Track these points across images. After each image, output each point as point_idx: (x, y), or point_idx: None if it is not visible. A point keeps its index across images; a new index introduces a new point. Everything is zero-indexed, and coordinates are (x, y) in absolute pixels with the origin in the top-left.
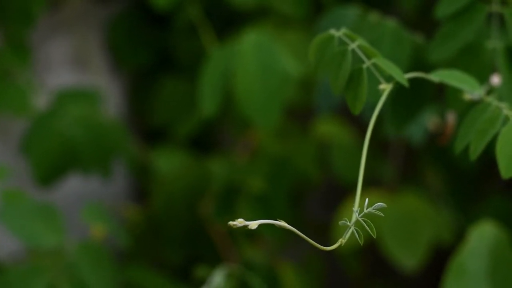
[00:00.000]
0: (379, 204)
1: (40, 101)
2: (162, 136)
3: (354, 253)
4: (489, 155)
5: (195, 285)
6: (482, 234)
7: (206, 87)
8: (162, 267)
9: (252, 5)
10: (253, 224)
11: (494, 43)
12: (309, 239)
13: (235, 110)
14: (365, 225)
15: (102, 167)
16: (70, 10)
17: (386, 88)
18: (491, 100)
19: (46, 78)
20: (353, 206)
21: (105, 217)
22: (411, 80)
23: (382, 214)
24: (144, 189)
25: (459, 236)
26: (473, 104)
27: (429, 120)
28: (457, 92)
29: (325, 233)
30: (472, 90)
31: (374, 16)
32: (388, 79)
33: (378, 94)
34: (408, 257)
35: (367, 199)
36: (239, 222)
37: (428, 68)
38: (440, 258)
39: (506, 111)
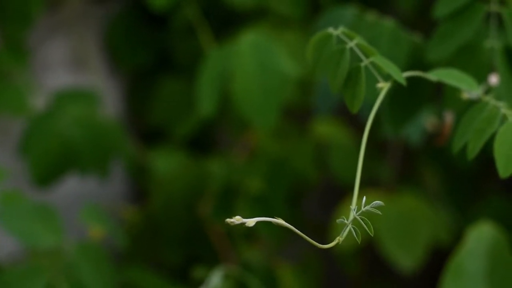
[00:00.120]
0: (377, 202)
1: (38, 101)
2: (160, 136)
3: (352, 254)
4: (487, 155)
5: (193, 285)
6: (480, 235)
7: (204, 87)
8: (160, 267)
9: (250, 5)
10: (251, 222)
11: (492, 43)
12: (306, 237)
13: (233, 111)
14: (363, 223)
15: (100, 168)
16: (68, 11)
17: (384, 86)
18: (489, 99)
19: (44, 78)
20: (350, 205)
21: (103, 218)
22: (409, 80)
23: (379, 212)
24: (143, 189)
25: (457, 237)
26: (471, 103)
27: (427, 121)
28: (455, 91)
29: (324, 233)
30: (470, 89)
31: (371, 16)
32: (386, 78)
33: (376, 92)
34: (406, 258)
35: (364, 197)
36: (237, 219)
37: (426, 68)
38: (438, 258)
39: (504, 110)
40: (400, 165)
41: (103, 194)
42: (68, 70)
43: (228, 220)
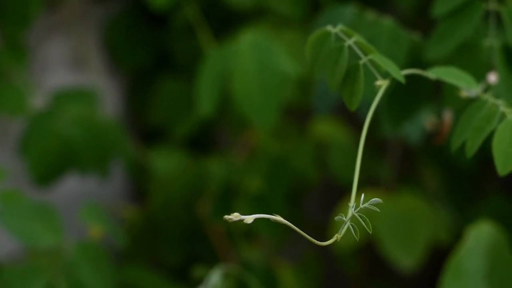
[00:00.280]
0: (375, 200)
1: (38, 101)
2: (160, 136)
3: (352, 253)
4: (485, 154)
5: (192, 285)
6: (480, 234)
7: (204, 87)
8: (160, 267)
9: (249, 5)
10: (249, 219)
11: (491, 41)
12: (305, 234)
13: (233, 110)
14: (361, 220)
15: (100, 167)
16: (68, 11)
17: (382, 84)
18: (488, 97)
19: (44, 78)
20: (349, 203)
21: (103, 217)
22: (408, 78)
23: (378, 210)
24: (142, 189)
25: (457, 236)
26: (470, 101)
27: (426, 120)
28: (454, 89)
29: (324, 233)
30: (468, 88)
31: (371, 15)
32: (385, 75)
33: (375, 91)
34: (405, 257)
35: (363, 195)
36: (235, 216)
37: (425, 67)
38: (438, 258)
39: (502, 108)
40: (400, 165)
41: (103, 194)
42: (68, 69)
43: (226, 217)
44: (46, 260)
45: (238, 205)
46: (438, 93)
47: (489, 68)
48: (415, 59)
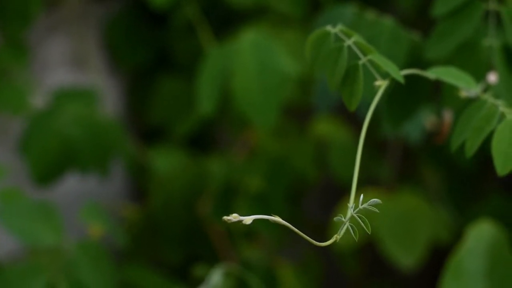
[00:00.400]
0: (374, 200)
1: (38, 100)
2: (160, 135)
3: (352, 253)
4: (485, 153)
5: (193, 284)
6: (480, 233)
7: (204, 86)
8: (160, 266)
9: (249, 4)
10: (248, 220)
11: (491, 41)
12: (303, 235)
13: (233, 109)
14: (360, 221)
15: (100, 166)
16: (68, 10)
17: (382, 84)
18: (487, 97)
19: (44, 77)
20: (348, 203)
21: (103, 216)
22: (408, 78)
23: (377, 210)
24: (142, 188)
25: (457, 235)
26: (469, 101)
27: (426, 119)
28: (454, 89)
29: (324, 233)
30: (468, 88)
31: (371, 15)
32: (384, 76)
33: (374, 91)
34: (406, 256)
35: (362, 195)
36: (234, 217)
37: (425, 67)
38: (438, 257)
39: (502, 108)
40: (400, 164)
41: (103, 193)
42: (68, 68)
43: (225, 217)
44: (46, 259)
45: (238, 204)
46: (438, 92)
47: (489, 68)
48: (415, 59)
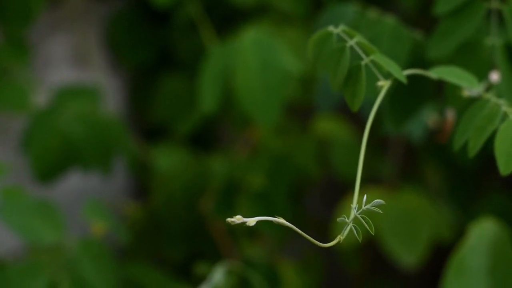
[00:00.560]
0: (378, 201)
1: (40, 98)
2: (162, 133)
3: (354, 251)
4: (488, 152)
5: (195, 282)
6: (482, 231)
7: (206, 84)
8: (162, 264)
9: (251, 2)
10: (251, 221)
11: (493, 40)
12: (307, 236)
13: (235, 107)
14: (364, 222)
15: (102, 164)
16: (70, 7)
17: (384, 85)
18: (490, 96)
19: (46, 75)
20: (351, 204)
21: (105, 214)
22: (410, 77)
23: (380, 211)
24: (144, 186)
25: (459, 234)
26: (472, 101)
27: (428, 118)
28: (456, 89)
29: (326, 230)
30: (470, 87)
31: (373, 13)
32: (387, 76)
33: (377, 91)
34: (407, 255)
35: (365, 196)
36: (237, 218)
37: (427, 65)
38: (440, 255)
39: (504, 107)
40: (402, 162)
41: (105, 191)
42: (70, 66)
43: (229, 219)
44: (48, 257)
45: (240, 202)
46: (441, 91)
47: (491, 67)
48: (417, 58)
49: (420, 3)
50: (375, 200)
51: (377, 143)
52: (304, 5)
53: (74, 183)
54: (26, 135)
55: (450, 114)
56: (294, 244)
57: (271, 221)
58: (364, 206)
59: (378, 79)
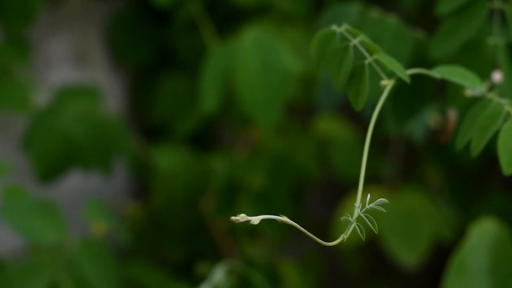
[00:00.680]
0: (381, 200)
1: (41, 98)
2: (163, 133)
3: (355, 250)
4: (489, 152)
5: (196, 281)
6: (483, 231)
7: (207, 84)
8: (163, 263)
9: (252, 2)
10: (255, 220)
11: (496, 40)
12: (311, 235)
13: (235, 107)
14: (367, 220)
15: (103, 164)
16: (71, 7)
17: (387, 84)
18: (493, 96)
19: (47, 75)
20: (353, 203)
21: (106, 214)
22: (413, 77)
23: (384, 210)
24: (145, 185)
25: (460, 233)
26: (475, 100)
27: (430, 118)
28: (459, 88)
29: (326, 230)
30: (473, 86)
31: (375, 13)
32: (390, 75)
33: (380, 90)
34: (408, 254)
35: (369, 195)
36: (241, 217)
37: (429, 65)
38: (441, 255)
39: (507, 107)
40: (402, 162)
41: (106, 190)
42: (71, 66)
43: (233, 218)
44: (48, 257)
45: (241, 201)
46: (442, 91)
47: (494, 66)
48: (420, 57)
49: (420, 3)
50: (379, 199)
51: (378, 143)
52: (305, 5)
53: (74, 183)
54: (27, 134)
55: (452, 114)
56: (294, 244)
57: (271, 221)
58: (368, 205)
59: (381, 78)
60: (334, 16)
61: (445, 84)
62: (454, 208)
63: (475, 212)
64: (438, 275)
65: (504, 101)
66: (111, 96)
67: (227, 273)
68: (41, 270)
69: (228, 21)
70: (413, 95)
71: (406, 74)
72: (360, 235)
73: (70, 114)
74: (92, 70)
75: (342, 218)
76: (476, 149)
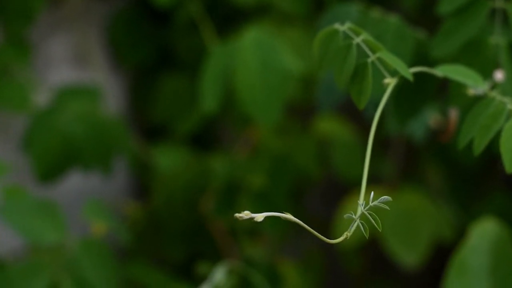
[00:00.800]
0: (384, 198)
1: (41, 98)
2: (163, 133)
3: (355, 250)
4: (490, 152)
5: (196, 281)
6: (483, 231)
7: (207, 84)
8: (163, 263)
9: (252, 2)
10: (259, 217)
11: (497, 39)
12: (315, 232)
13: (235, 107)
14: (371, 218)
15: (103, 164)
16: (71, 7)
17: (390, 82)
18: (495, 95)
19: (47, 75)
20: (353, 202)
21: (106, 214)
22: (415, 76)
23: (387, 207)
24: (145, 185)
25: (460, 233)
26: (476, 99)
27: (430, 117)
28: (461, 87)
29: (326, 230)
30: (475, 85)
31: (376, 13)
32: (393, 73)
33: (382, 88)
34: (409, 254)
35: (372, 192)
36: (246, 214)
37: (431, 65)
38: (441, 255)
39: (509, 106)
40: (403, 162)
41: (106, 190)
42: (71, 66)
43: (236, 215)
44: (48, 257)
45: (241, 201)
46: (442, 92)
47: (496, 65)
48: (421, 57)
49: (421, 2)
50: (382, 197)
51: (378, 143)
52: (305, 5)
53: (74, 183)
54: (27, 134)
55: (454, 114)
56: (294, 244)
57: (272, 220)
58: (372, 203)
59: (384, 77)
60: (334, 16)
61: (446, 84)
62: (454, 208)
63: (475, 212)
64: (439, 275)
65: (506, 100)
66: (111, 96)
67: (227, 273)
68: (41, 270)
69: (228, 21)
70: (415, 94)
71: (409, 72)
72: (364, 232)
73: (70, 114)
74: (92, 70)
75: (345, 216)
76: (478, 148)
